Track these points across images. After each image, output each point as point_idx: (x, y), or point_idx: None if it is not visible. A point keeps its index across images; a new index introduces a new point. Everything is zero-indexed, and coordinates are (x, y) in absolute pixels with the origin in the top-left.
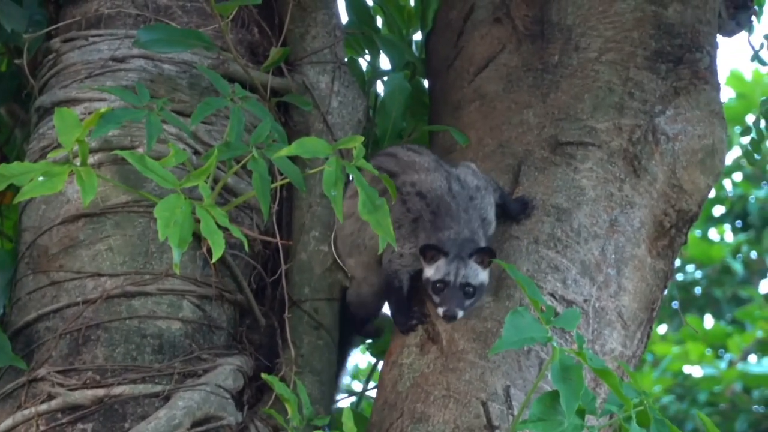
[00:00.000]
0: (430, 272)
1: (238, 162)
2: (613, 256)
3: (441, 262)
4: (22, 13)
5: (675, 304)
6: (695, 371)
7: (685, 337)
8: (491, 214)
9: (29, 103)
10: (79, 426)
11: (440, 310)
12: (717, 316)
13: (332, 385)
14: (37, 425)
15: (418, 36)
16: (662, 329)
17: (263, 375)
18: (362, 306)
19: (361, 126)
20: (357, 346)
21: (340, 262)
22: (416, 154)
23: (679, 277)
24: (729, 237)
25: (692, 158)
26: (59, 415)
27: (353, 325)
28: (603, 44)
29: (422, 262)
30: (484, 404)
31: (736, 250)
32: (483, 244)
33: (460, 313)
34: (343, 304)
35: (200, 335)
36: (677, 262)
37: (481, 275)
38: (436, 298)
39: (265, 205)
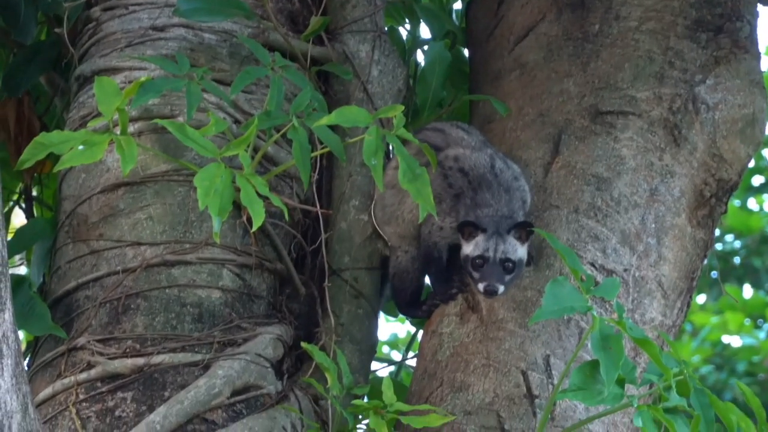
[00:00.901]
0: (468, 249)
1: (278, 131)
2: (653, 225)
3: (480, 238)
4: None
5: (714, 274)
6: (734, 341)
7: (723, 307)
8: (530, 198)
9: (69, 72)
10: (119, 395)
11: (480, 286)
12: (756, 285)
13: (372, 353)
14: (77, 394)
15: (458, 5)
16: (701, 299)
17: (303, 344)
18: (402, 276)
19: (401, 95)
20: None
21: (379, 231)
22: (464, 132)
23: (718, 246)
24: None
25: (732, 127)
26: (99, 384)
27: (399, 305)
28: (643, 13)
29: (461, 239)
30: (524, 373)
31: None
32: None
33: (501, 288)
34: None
35: (240, 304)
36: (716, 232)
37: (520, 250)
38: (476, 274)
39: (305, 174)
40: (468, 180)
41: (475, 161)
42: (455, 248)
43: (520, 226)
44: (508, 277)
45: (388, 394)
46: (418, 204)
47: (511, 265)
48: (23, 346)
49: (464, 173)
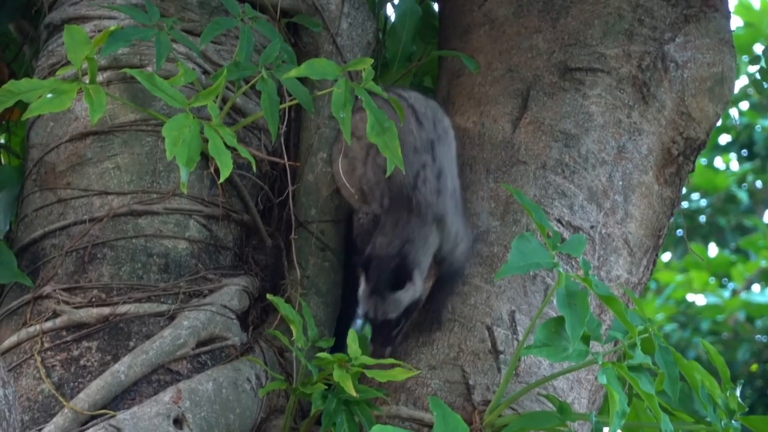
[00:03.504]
0: (358, 295)
1: (247, 82)
2: (620, 182)
3: (363, 289)
4: None
5: (680, 232)
6: (698, 299)
7: (688, 266)
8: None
9: (38, 20)
10: (84, 344)
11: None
12: (721, 244)
13: (337, 307)
14: (42, 342)
15: None
16: (666, 257)
17: (269, 296)
18: (365, 238)
19: (370, 48)
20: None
21: (339, 184)
22: (416, 124)
23: (684, 205)
24: (734, 166)
25: (701, 86)
26: (64, 333)
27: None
28: None
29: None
30: (489, 329)
31: (741, 179)
32: (421, 256)
33: (389, 350)
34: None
35: (206, 255)
36: (683, 190)
37: (406, 297)
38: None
39: (273, 126)
40: (389, 195)
41: (399, 174)
42: None
43: (402, 275)
44: (397, 330)
45: (353, 347)
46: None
47: (396, 320)
48: None
49: (388, 187)
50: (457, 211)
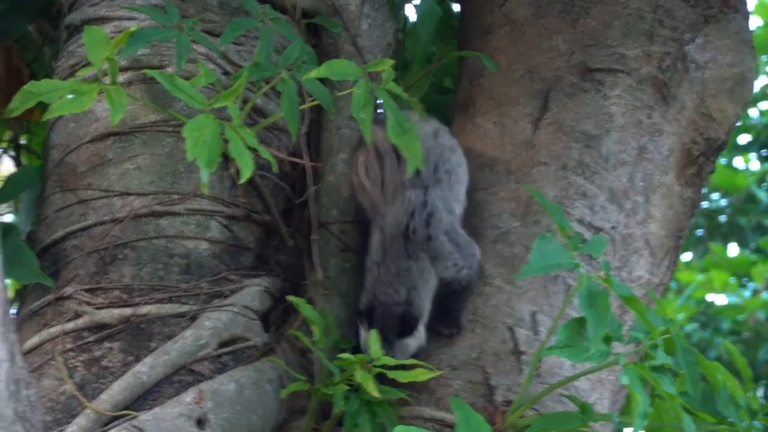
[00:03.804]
0: (361, 341)
1: (267, 83)
2: (641, 183)
3: (364, 338)
4: None
5: (700, 232)
6: (719, 299)
7: (709, 265)
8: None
9: (59, 20)
10: (106, 344)
11: None
12: (741, 244)
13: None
14: (64, 343)
15: None
16: (686, 257)
17: (289, 297)
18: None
19: (390, 49)
20: None
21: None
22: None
23: (704, 204)
24: (754, 165)
25: (721, 87)
26: (85, 334)
27: None
28: None
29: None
30: (510, 329)
31: (761, 179)
32: (425, 302)
33: None
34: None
35: (227, 256)
36: (703, 191)
37: (413, 344)
38: None
39: (293, 127)
40: (384, 241)
41: (394, 217)
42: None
43: (408, 322)
44: None
45: (375, 348)
46: None
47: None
48: (10, 295)
49: (381, 231)
50: (455, 243)
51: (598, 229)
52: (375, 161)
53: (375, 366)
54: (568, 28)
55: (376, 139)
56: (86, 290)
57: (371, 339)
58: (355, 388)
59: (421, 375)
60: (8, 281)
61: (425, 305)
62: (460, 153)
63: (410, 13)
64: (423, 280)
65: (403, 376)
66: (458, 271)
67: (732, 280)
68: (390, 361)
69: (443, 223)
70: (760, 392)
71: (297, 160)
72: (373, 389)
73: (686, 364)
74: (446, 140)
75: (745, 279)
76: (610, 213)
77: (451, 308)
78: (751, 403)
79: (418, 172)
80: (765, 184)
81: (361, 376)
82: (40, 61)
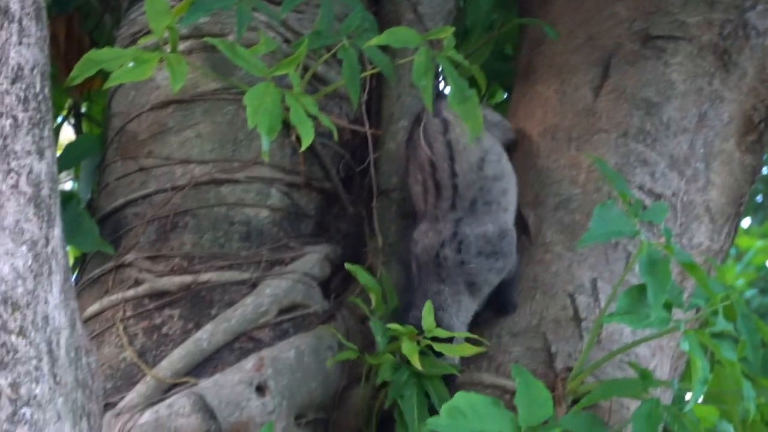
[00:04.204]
0: None
1: (328, 51)
2: (701, 150)
3: None
4: None
5: (759, 198)
6: None
7: None
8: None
9: None
10: (166, 312)
11: None
12: None
13: None
14: (124, 310)
15: None
16: (746, 223)
17: (347, 265)
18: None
19: (451, 17)
20: None
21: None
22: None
23: (765, 171)
24: None
25: None
26: (146, 301)
27: None
28: None
29: None
30: (571, 296)
31: None
32: (455, 322)
33: None
34: None
35: (288, 223)
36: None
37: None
38: None
39: (354, 94)
40: (417, 266)
41: (427, 244)
42: None
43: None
44: None
45: (429, 320)
46: None
47: None
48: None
49: (416, 256)
50: (490, 253)
51: (658, 196)
52: (427, 165)
53: (425, 338)
54: None
55: (434, 142)
56: (147, 258)
57: (425, 310)
58: (406, 360)
59: (467, 350)
60: (68, 249)
61: (454, 325)
62: (509, 177)
63: None
64: (454, 301)
65: (449, 350)
66: (499, 272)
67: None
68: (441, 333)
69: (473, 245)
70: None
71: (357, 127)
72: (417, 362)
73: (746, 331)
74: (491, 169)
75: None
76: (671, 180)
77: (504, 292)
78: None
79: (453, 204)
80: None
81: (407, 349)
82: (101, 30)
